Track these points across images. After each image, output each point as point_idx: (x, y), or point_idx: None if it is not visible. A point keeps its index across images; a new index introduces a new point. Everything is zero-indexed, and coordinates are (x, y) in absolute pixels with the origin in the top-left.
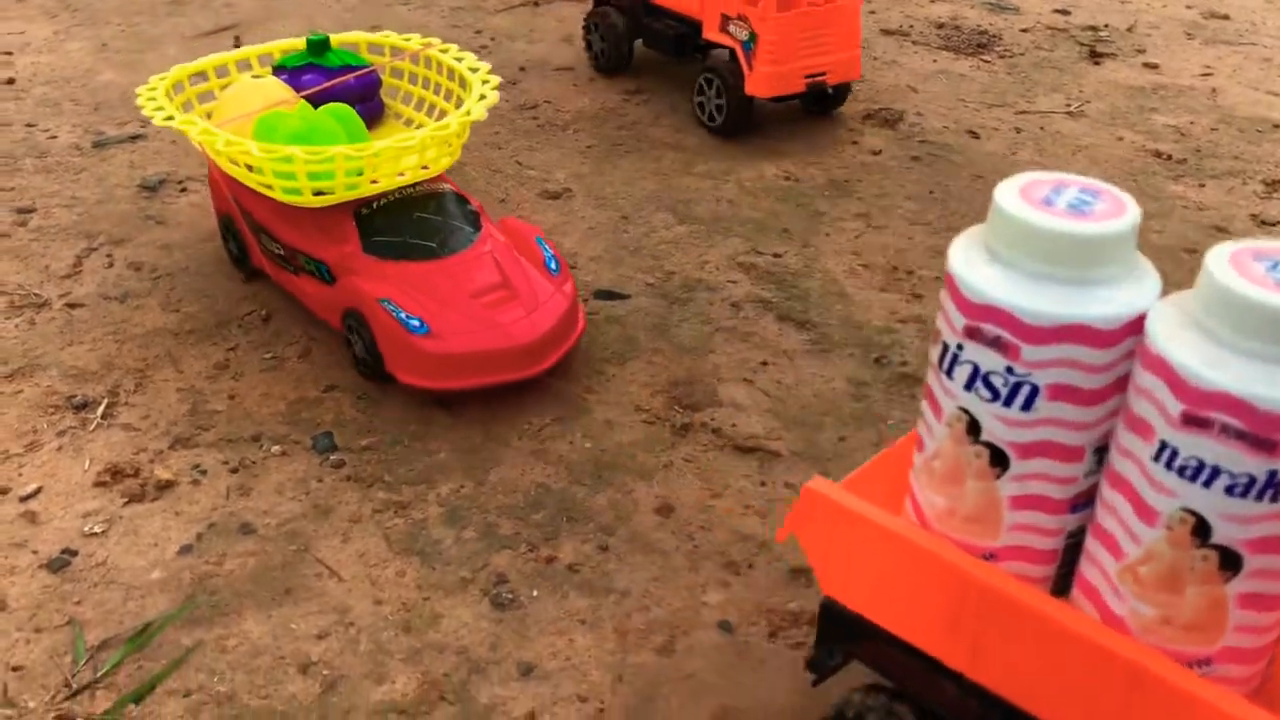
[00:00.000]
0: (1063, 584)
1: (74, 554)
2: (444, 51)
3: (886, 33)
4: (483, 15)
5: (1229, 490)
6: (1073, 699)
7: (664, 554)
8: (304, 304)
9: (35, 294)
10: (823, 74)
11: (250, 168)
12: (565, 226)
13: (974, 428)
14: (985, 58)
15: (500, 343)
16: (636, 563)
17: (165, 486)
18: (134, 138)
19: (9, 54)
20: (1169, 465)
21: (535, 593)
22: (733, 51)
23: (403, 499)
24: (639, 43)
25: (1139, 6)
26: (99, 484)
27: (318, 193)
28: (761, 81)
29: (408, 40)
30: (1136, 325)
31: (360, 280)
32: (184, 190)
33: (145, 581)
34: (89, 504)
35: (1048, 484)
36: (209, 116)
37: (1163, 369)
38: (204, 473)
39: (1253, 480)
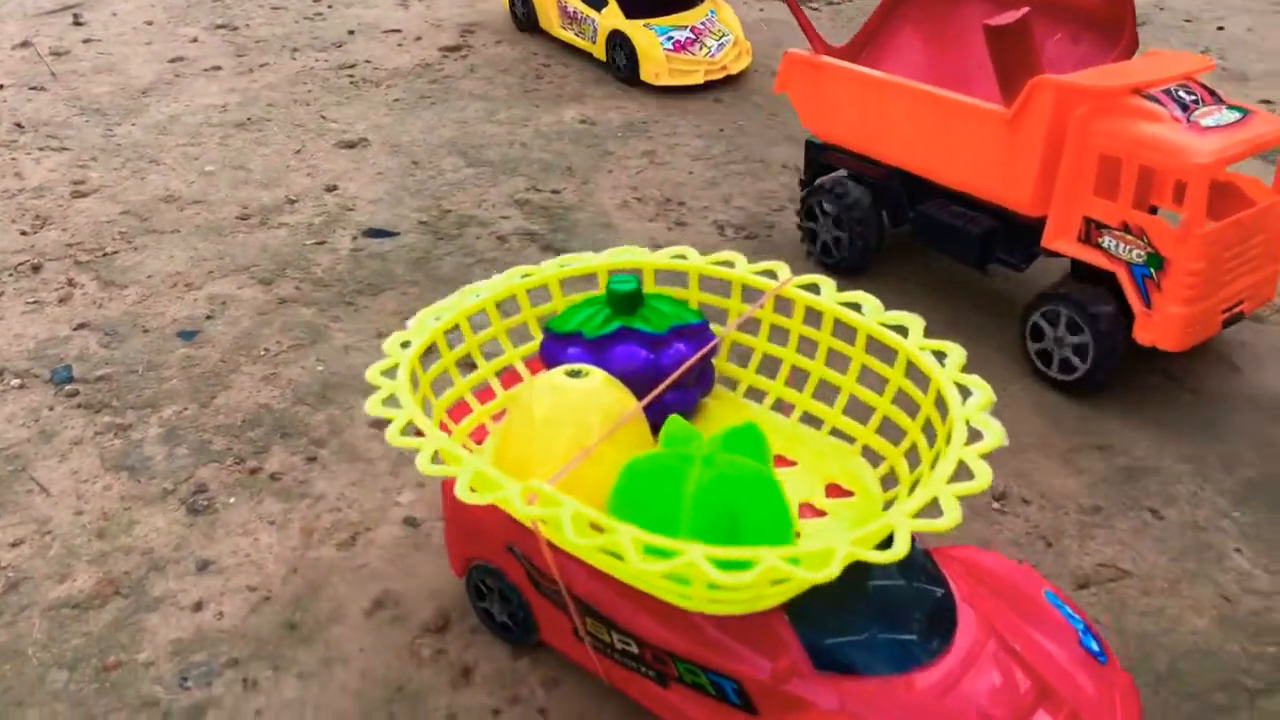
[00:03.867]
0: None
1: None
2: (809, 289)
3: None
4: None
5: None
6: None
7: (369, 461)
8: None
9: None
10: (1240, 303)
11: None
12: (353, 173)
13: None
14: (813, 5)
15: None
16: (340, 471)
17: None
18: None
19: None
20: None
21: (232, 500)
22: (1101, 273)
23: (124, 421)
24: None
25: None
26: None
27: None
28: (1171, 328)
29: (725, 266)
30: None
31: None
32: None
33: None
34: None
35: None
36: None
37: None
38: None
39: None
